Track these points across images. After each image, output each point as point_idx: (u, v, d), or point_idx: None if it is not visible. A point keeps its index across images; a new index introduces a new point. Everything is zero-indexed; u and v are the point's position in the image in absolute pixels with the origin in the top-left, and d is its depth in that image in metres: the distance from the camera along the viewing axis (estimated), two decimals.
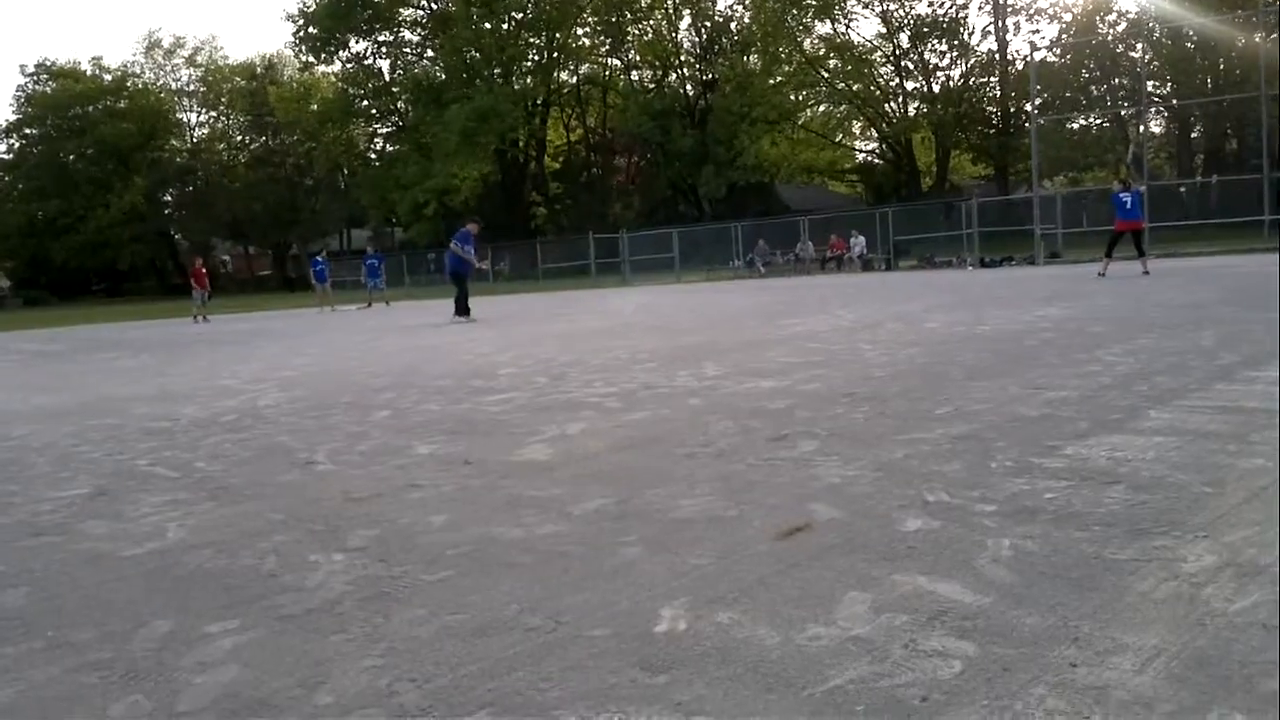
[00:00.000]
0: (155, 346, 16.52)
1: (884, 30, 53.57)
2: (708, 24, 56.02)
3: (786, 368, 7.10)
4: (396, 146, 61.75)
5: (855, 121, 58.82)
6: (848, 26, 54.51)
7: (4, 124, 70.43)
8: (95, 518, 3.86)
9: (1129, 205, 16.93)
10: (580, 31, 57.33)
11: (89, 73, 68.97)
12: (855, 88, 53.57)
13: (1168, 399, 4.78)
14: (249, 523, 3.59)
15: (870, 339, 8.94)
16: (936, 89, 52.99)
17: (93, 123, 66.12)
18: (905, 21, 52.74)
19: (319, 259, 30.84)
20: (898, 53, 53.70)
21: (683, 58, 57.17)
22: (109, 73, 69.26)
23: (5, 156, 70.79)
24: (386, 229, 67.31)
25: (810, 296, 18.33)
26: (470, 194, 50.74)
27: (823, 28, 54.31)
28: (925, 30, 51.92)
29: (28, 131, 69.67)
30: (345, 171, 67.38)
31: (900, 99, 54.56)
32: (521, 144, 57.81)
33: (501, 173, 56.76)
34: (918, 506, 3.14)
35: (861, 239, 33.70)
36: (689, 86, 57.80)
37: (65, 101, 67.15)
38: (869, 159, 61.93)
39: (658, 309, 17.92)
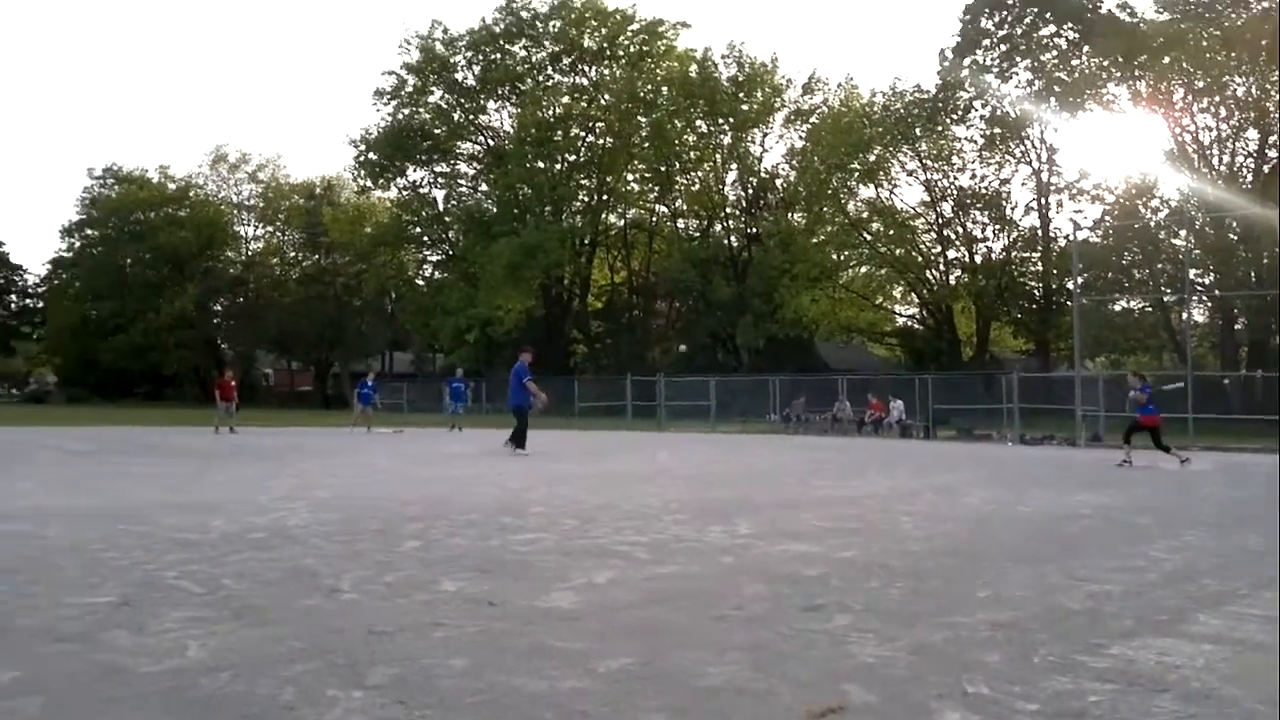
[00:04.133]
0: (190, 454, 16.61)
1: (927, 199, 54.56)
2: (754, 179, 57.28)
3: (821, 532, 7.00)
4: (444, 274, 62.93)
5: (896, 285, 59.33)
6: (891, 192, 55.59)
7: (67, 224, 72.65)
8: (118, 628, 3.83)
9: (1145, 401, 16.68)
10: (630, 177, 58.73)
11: (155, 180, 71.03)
12: (897, 252, 54.18)
13: (1216, 603, 4.64)
14: (270, 648, 3.54)
15: (907, 509, 8.81)
16: (978, 259, 53.45)
17: (153, 228, 67.71)
18: (948, 191, 53.67)
19: (369, 381, 30.83)
20: (940, 221, 54.48)
21: (728, 209, 58.23)
22: (174, 181, 71.18)
23: (65, 254, 72.76)
24: (428, 353, 68.04)
25: (847, 459, 18.15)
26: (513, 326, 51.46)
27: (867, 191, 55.45)
28: (968, 202, 52.79)
29: (89, 232, 71.56)
30: (392, 295, 68.60)
31: (942, 266, 55.07)
32: (566, 281, 58.78)
33: (545, 307, 57.63)
34: (956, 697, 3.04)
35: (900, 404, 33.51)
36: (733, 238, 58.72)
37: (128, 206, 68.89)
38: (909, 323, 62.22)
39: (692, 457, 17.84)
